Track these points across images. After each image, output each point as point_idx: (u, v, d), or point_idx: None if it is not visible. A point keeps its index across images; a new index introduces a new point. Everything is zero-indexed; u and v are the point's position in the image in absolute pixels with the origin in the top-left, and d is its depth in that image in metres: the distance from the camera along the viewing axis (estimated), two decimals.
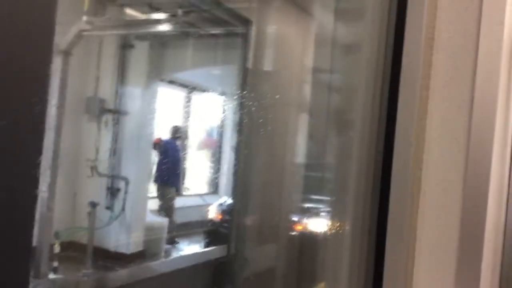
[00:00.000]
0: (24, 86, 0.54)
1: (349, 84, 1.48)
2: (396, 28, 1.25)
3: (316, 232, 3.82)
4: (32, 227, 0.56)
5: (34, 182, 0.56)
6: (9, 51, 0.53)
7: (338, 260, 1.45)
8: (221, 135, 8.11)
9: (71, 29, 5.34)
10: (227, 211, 6.69)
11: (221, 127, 7.92)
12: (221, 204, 7.09)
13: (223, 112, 7.20)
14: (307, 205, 3.79)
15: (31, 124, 0.55)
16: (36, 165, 0.56)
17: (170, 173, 7.54)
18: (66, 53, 5.51)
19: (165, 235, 7.14)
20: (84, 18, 5.31)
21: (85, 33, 5.47)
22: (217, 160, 8.41)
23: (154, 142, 7.36)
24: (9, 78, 0.53)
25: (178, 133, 7.84)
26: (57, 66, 5.58)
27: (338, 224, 1.54)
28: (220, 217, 6.85)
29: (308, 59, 2.93)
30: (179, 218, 7.65)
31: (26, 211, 0.56)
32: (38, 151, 0.57)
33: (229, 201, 7.13)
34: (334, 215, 1.70)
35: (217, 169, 8.51)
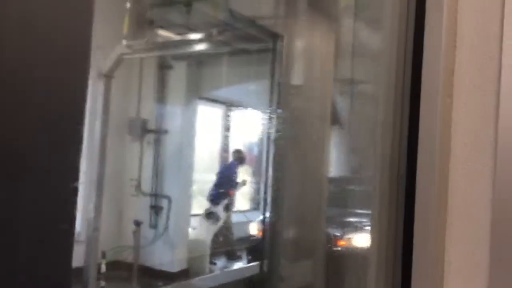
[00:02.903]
0: (63, 110, 0.54)
1: (374, 93, 1.44)
2: (415, 36, 1.20)
3: (354, 247, 3.74)
4: (71, 250, 0.55)
5: (72, 204, 0.56)
6: (49, 76, 0.53)
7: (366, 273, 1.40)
8: (260, 151, 8.09)
9: (112, 53, 5.51)
10: (268, 228, 6.63)
11: (260, 142, 7.91)
12: (263, 221, 7.05)
13: (260, 128, 7.18)
14: (342, 219, 3.72)
15: (68, 148, 0.55)
16: (74, 190, 0.55)
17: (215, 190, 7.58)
18: (108, 77, 5.68)
19: (207, 253, 7.15)
20: (124, 42, 5.46)
21: (125, 56, 5.62)
22: (257, 176, 8.39)
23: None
24: (47, 103, 0.53)
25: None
26: (99, 89, 5.77)
27: (373, 237, 1.49)
28: (261, 233, 6.81)
29: (336, 69, 2.90)
30: (221, 236, 7.65)
31: (66, 234, 0.56)
32: (76, 175, 0.56)
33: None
34: (371, 228, 1.65)
35: (257, 185, 8.48)
